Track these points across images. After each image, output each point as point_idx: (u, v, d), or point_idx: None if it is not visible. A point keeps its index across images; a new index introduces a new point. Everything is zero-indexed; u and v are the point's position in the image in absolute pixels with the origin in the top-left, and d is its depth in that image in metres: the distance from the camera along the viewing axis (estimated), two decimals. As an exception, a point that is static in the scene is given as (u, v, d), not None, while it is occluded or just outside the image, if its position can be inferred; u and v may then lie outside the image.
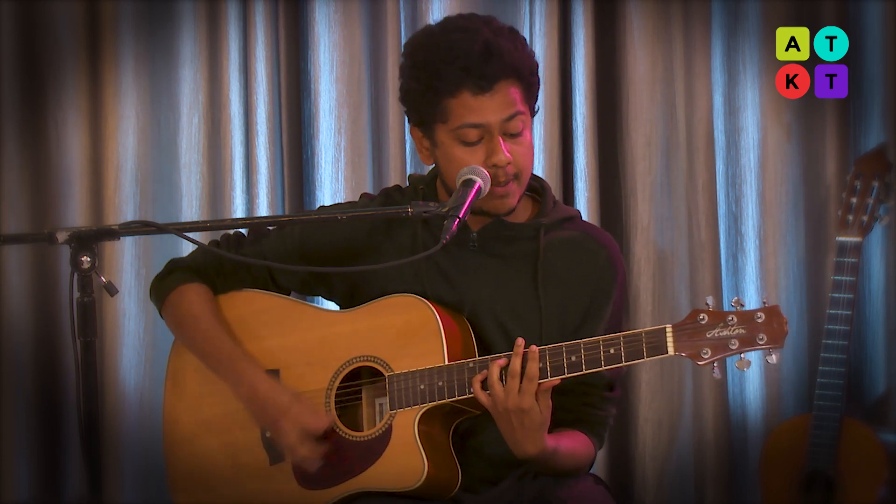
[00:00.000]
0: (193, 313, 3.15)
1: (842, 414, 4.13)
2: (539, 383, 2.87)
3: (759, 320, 2.81)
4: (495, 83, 2.95)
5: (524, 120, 2.99)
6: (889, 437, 4.17)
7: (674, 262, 4.41)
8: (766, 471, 4.25)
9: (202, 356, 3.14)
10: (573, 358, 2.88)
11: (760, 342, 2.80)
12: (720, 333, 2.82)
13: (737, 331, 2.82)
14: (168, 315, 3.20)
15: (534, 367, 2.87)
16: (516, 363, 2.87)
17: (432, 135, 3.02)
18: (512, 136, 2.98)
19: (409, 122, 3.08)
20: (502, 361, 2.89)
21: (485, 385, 2.91)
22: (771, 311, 2.81)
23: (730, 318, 2.82)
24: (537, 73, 3.03)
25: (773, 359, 2.81)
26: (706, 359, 2.82)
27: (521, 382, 2.87)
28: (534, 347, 2.87)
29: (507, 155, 2.96)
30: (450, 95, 2.96)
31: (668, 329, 2.84)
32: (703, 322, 2.83)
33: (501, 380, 2.89)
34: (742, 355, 2.82)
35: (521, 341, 2.89)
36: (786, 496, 4.20)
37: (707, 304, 2.84)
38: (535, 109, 3.04)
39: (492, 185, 2.98)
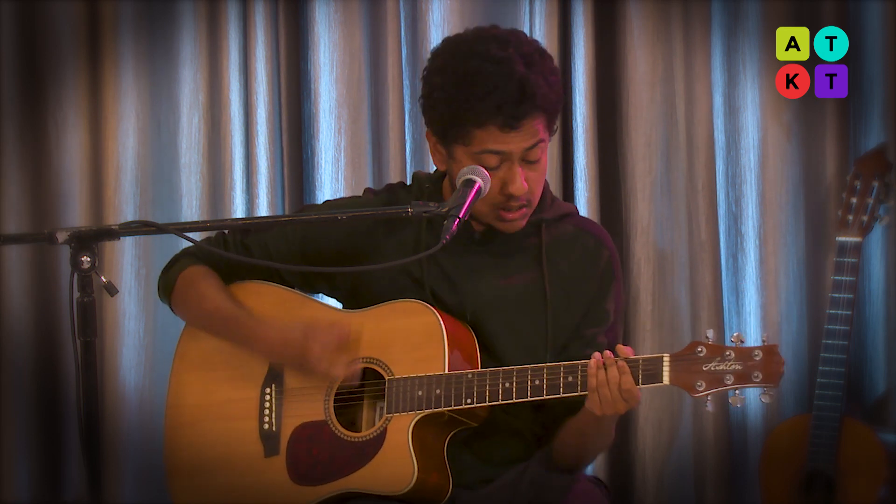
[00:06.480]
0: (199, 291, 3.16)
1: (842, 414, 4.13)
2: None
3: (757, 358, 2.83)
4: (524, 120, 2.95)
5: (543, 147, 3.00)
6: (889, 437, 4.16)
7: (674, 262, 4.40)
8: (766, 471, 4.25)
9: (215, 331, 3.14)
10: (570, 378, 2.91)
11: (756, 380, 2.83)
12: (716, 367, 2.85)
13: (733, 366, 2.84)
14: (178, 304, 3.20)
15: (622, 372, 2.88)
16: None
17: (451, 150, 3.01)
18: (529, 162, 2.99)
19: (426, 125, 3.05)
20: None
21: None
22: (769, 351, 2.83)
23: (727, 353, 2.85)
24: (562, 97, 3.04)
25: (767, 398, 2.84)
26: (700, 391, 2.85)
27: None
28: (619, 352, 2.90)
29: (525, 185, 2.97)
30: (478, 126, 2.95)
31: (666, 358, 2.87)
32: (701, 354, 2.85)
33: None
34: (737, 391, 2.84)
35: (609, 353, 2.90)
36: (786, 496, 4.20)
37: (707, 336, 2.86)
38: (554, 129, 3.05)
39: (504, 211, 2.99)
